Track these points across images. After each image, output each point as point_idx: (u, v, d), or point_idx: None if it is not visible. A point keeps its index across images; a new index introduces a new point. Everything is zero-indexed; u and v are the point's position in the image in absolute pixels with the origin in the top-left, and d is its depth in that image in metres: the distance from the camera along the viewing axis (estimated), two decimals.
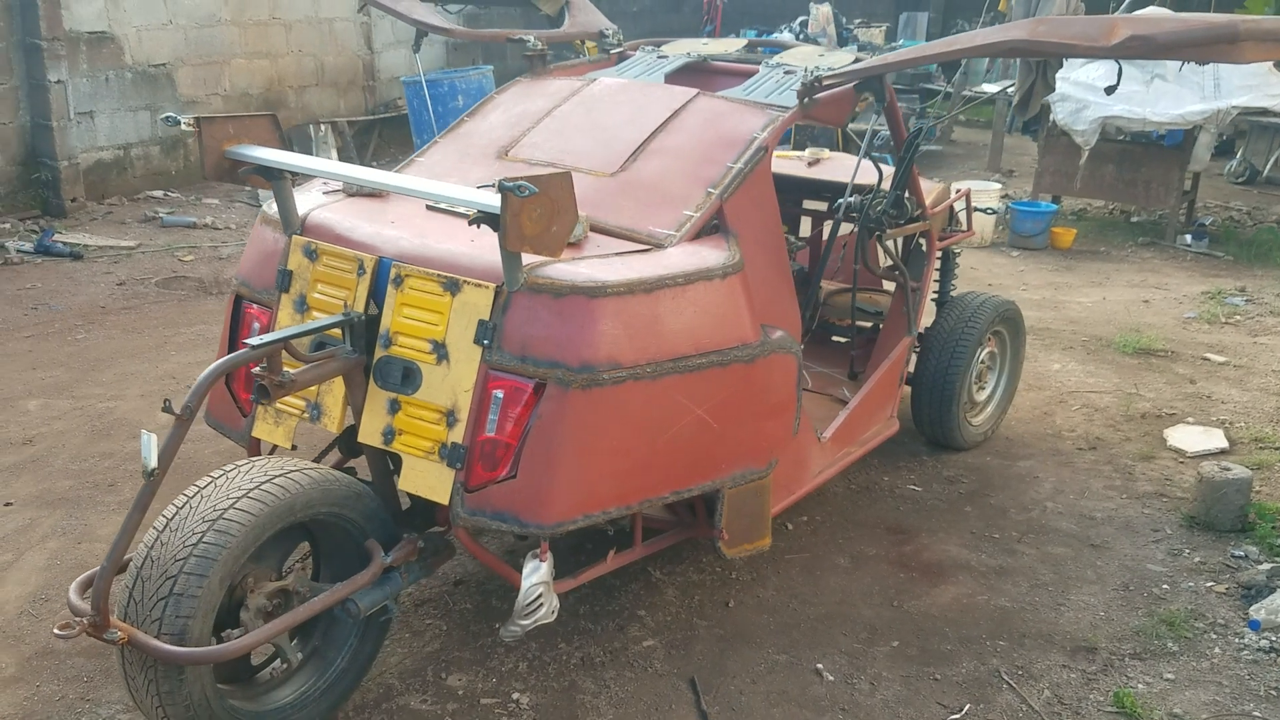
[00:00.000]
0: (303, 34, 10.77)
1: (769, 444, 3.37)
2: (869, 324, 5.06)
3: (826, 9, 13.20)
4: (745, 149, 3.51)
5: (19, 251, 7.40)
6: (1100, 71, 8.32)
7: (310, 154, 10.81)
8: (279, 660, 3.04)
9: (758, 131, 3.57)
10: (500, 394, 2.87)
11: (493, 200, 2.64)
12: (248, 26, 10.20)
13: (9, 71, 8.14)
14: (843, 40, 13.35)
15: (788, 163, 5.25)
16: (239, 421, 3.36)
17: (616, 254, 3.12)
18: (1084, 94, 8.33)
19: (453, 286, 2.94)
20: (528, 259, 2.89)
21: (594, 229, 3.30)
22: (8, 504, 4.26)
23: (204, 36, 9.77)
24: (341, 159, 11.01)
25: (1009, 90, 9.40)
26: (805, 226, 5.57)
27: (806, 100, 3.70)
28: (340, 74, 11.37)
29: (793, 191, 5.17)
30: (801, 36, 12.91)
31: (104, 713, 3.11)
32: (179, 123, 3.10)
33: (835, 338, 5.28)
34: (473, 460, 2.90)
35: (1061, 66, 7.15)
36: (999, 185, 9.32)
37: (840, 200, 4.24)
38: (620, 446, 2.95)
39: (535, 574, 2.93)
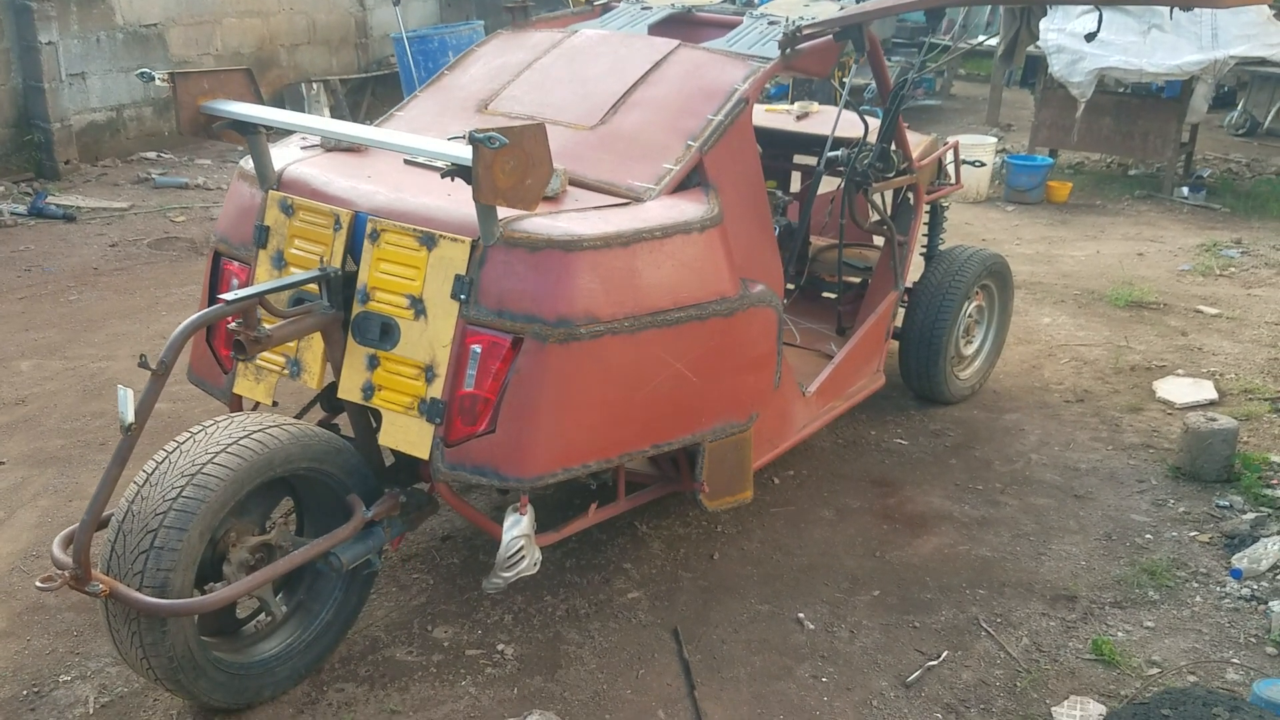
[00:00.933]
0: None
1: (749, 398, 3.38)
2: (857, 279, 5.05)
3: None
4: (725, 101, 3.49)
5: (12, 214, 7.39)
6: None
7: (303, 112, 10.75)
8: (264, 613, 3.07)
9: (738, 83, 3.55)
10: (478, 349, 2.88)
11: (465, 152, 2.63)
12: None
13: (0, 33, 8.10)
14: None
15: (776, 117, 5.22)
16: (220, 378, 3.37)
17: (594, 207, 3.12)
18: (1080, 45, 8.25)
19: (429, 241, 2.94)
20: (504, 213, 2.89)
21: (573, 182, 3.30)
22: (1, 463, 4.29)
23: None
24: (334, 117, 10.95)
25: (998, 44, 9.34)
26: (796, 181, 5.54)
27: (788, 51, 3.67)
28: (332, 32, 11.28)
29: (782, 146, 5.15)
30: None
31: (93, 665, 3.15)
32: (153, 78, 3.08)
33: (825, 294, 5.27)
34: (452, 415, 2.91)
35: (1045, 14, 7.08)
36: (995, 139, 9.26)
37: (826, 154, 4.22)
38: (598, 400, 2.96)
39: (516, 527, 2.96)
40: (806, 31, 3.56)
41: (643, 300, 2.98)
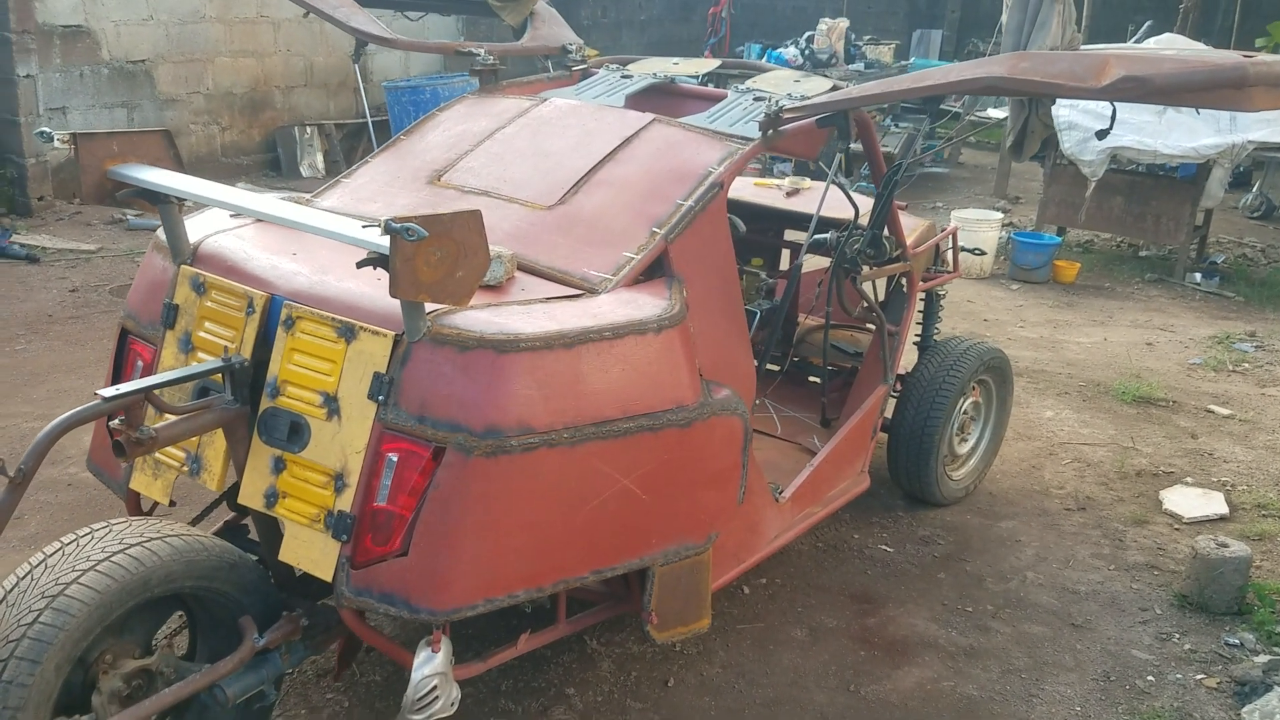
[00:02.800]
0: (291, 33, 10.45)
1: (708, 516, 3.01)
2: (848, 365, 4.71)
3: (842, 24, 12.83)
4: (698, 184, 3.16)
5: None
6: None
7: (295, 157, 10.51)
8: None
9: (714, 165, 3.23)
10: (394, 458, 2.53)
11: (382, 242, 2.30)
12: (233, 24, 9.90)
13: None
14: (850, 58, 12.99)
15: (766, 192, 4.90)
16: (118, 471, 3.02)
17: (541, 299, 2.78)
18: (1092, 123, 7.95)
19: (348, 333, 2.60)
20: (435, 305, 2.55)
21: (523, 268, 2.97)
22: None
23: (186, 33, 9.47)
24: (328, 162, 10.71)
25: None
26: (787, 259, 5.22)
27: (770, 132, 3.35)
28: (330, 75, 11.06)
29: (771, 222, 4.83)
30: (807, 52, 12.55)
31: None
32: (52, 139, 2.76)
33: (812, 378, 4.93)
34: (361, 532, 2.56)
35: (1054, 103, 6.79)
36: (1000, 215, 8.94)
37: (814, 237, 3.90)
38: (530, 521, 2.60)
39: (428, 664, 2.59)
40: (787, 115, 3.24)
41: (587, 409, 2.63)
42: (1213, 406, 5.92)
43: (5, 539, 3.90)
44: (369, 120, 4.90)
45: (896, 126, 11.63)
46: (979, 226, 8.43)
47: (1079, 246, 9.50)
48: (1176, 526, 4.58)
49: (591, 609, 3.16)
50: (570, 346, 2.61)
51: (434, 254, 2.32)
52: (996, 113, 9.81)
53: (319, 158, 10.65)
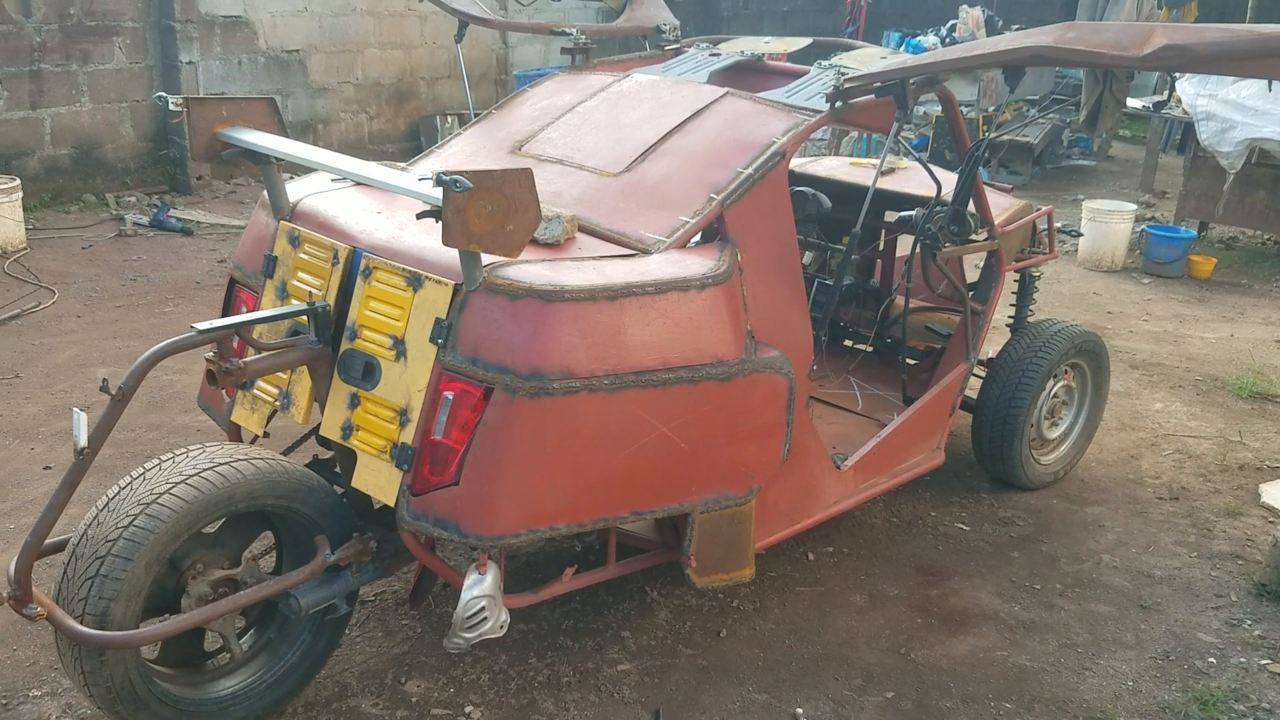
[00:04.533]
0: (437, 26, 10.92)
1: (749, 469, 3.14)
2: (939, 346, 4.75)
3: (977, 13, 12.61)
4: (760, 154, 3.30)
5: (135, 224, 7.73)
6: (1251, 90, 7.65)
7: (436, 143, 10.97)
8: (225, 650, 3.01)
9: (777, 136, 3.35)
10: (450, 396, 2.76)
11: (436, 193, 2.52)
12: (382, 17, 10.41)
13: (144, 51, 8.52)
14: None
15: (860, 171, 4.98)
16: (223, 405, 3.35)
17: (594, 257, 2.97)
18: (1231, 113, 7.68)
19: (415, 282, 2.85)
20: (493, 258, 2.77)
21: (584, 230, 3.16)
22: (47, 467, 4.41)
23: (338, 25, 10.02)
24: None
25: (1150, 105, 8.72)
26: (881, 239, 5.27)
27: (839, 104, 3.46)
28: (473, 67, 11.50)
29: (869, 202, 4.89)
30: (948, 41, 12.37)
31: (65, 684, 3.15)
32: (168, 103, 3.10)
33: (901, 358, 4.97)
34: (420, 463, 2.80)
35: (1132, 78, 6.57)
36: (1132, 206, 8.67)
37: (899, 215, 3.98)
38: (571, 460, 2.79)
39: (477, 586, 2.81)
40: (848, 85, 3.34)
41: (627, 358, 2.81)
42: None
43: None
44: (471, 110, 5.16)
45: (1044, 117, 11.38)
46: (1110, 218, 8.23)
47: (1221, 243, 9.14)
48: (1271, 519, 4.46)
49: (640, 555, 3.33)
50: (613, 299, 2.79)
51: (485, 207, 2.53)
52: (1134, 102, 9.51)
53: None
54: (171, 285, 6.74)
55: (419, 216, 2.62)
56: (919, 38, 12.61)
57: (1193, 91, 8.01)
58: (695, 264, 3.00)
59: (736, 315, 3.04)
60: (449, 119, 11.02)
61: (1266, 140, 7.71)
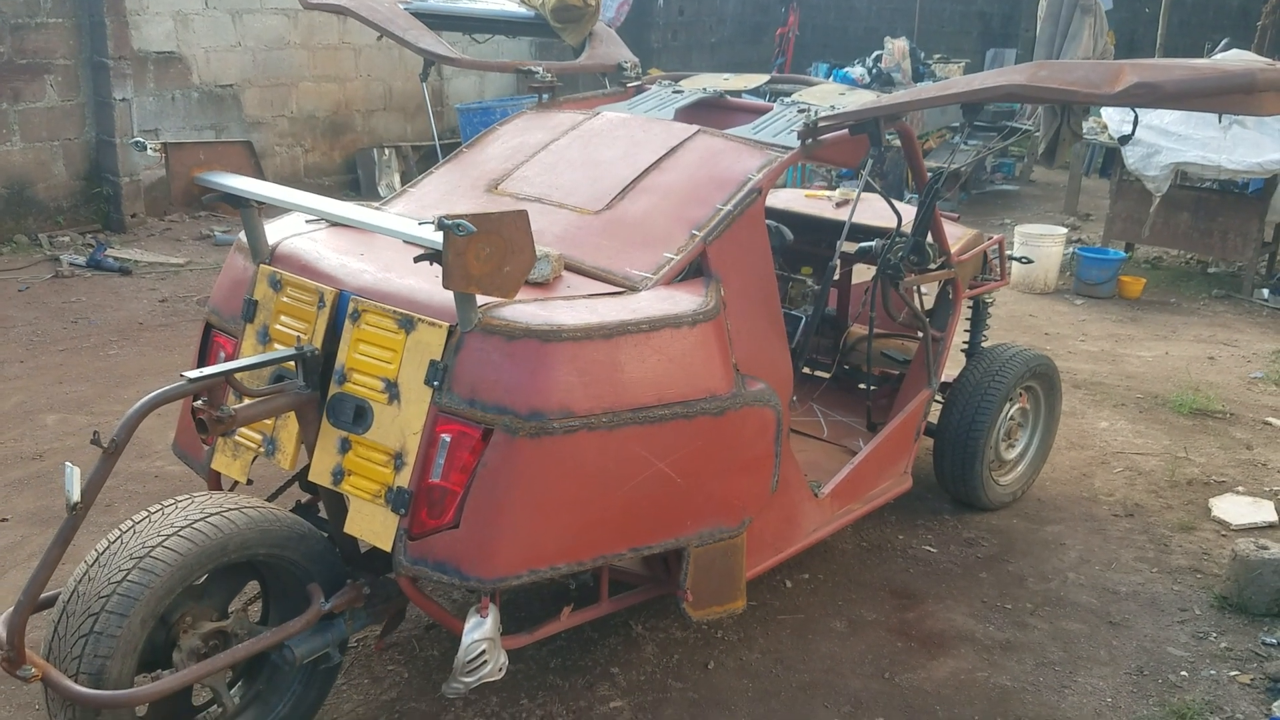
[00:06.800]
0: (372, 59, 10.87)
1: (741, 501, 3.18)
2: (895, 371, 4.84)
3: (902, 43, 12.93)
4: (737, 190, 3.35)
5: (71, 264, 7.54)
6: (1174, 116, 7.96)
7: (374, 178, 10.91)
8: (215, 704, 2.95)
9: (753, 172, 3.42)
10: (448, 438, 2.75)
11: (436, 238, 2.53)
12: (316, 50, 10.33)
13: (76, 88, 8.34)
14: (919, 76, 13.05)
15: (815, 203, 5.06)
16: (201, 453, 3.29)
17: (584, 296, 2.99)
18: (1156, 138, 7.96)
19: (407, 324, 2.84)
20: (486, 299, 2.77)
21: (570, 268, 3.18)
22: (3, 519, 4.28)
23: (272, 59, 9.91)
24: (404, 182, 11.07)
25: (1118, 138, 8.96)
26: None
27: (809, 141, 3.53)
28: (408, 99, 11.45)
29: (824, 233, 4.99)
30: (875, 71, 12.66)
31: None
32: (146, 148, 3.05)
33: (861, 385, 5.06)
34: (417, 506, 2.78)
35: (1088, 113, 6.82)
36: (1063, 230, 8.95)
37: (857, 246, 4.06)
38: (571, 499, 2.80)
39: (478, 630, 2.80)
40: (822, 123, 3.42)
41: (624, 395, 2.83)
42: (1271, 419, 5.91)
43: (95, 523, 4.21)
44: (437, 143, 5.16)
45: (966, 144, 11.68)
46: (1042, 241, 8.46)
47: (1147, 263, 9.46)
48: (1223, 533, 4.62)
49: (632, 590, 3.34)
50: (609, 337, 2.81)
51: (483, 249, 2.54)
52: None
53: (396, 178, 11.02)
54: (114, 326, 6.58)
55: (416, 259, 2.62)
56: (847, 69, 12.87)
57: (1118, 118, 8.30)
58: (685, 300, 3.03)
59: (725, 350, 3.08)
60: (386, 151, 10.96)
61: (1190, 164, 8.01)
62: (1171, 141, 7.96)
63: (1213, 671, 3.63)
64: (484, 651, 2.80)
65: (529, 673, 3.45)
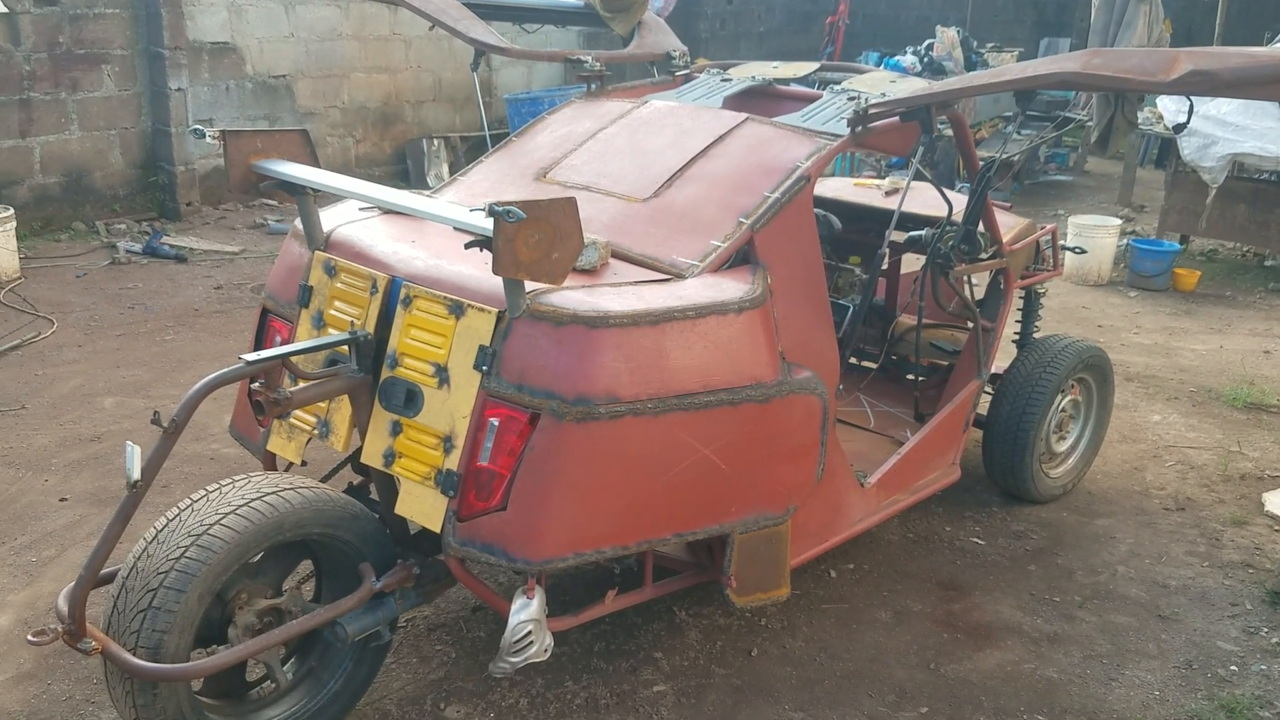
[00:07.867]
0: (422, 50, 10.97)
1: (786, 489, 3.19)
2: (944, 362, 4.82)
3: (953, 33, 12.80)
4: (785, 178, 3.35)
5: (128, 252, 7.70)
6: (1231, 106, 7.81)
7: (423, 168, 11.00)
8: (269, 679, 3.01)
9: (801, 160, 3.41)
10: (496, 422, 2.79)
11: (487, 224, 2.56)
12: (368, 41, 10.44)
13: (133, 78, 8.51)
14: (971, 65, 12.92)
15: (864, 191, 5.05)
16: (257, 434, 3.36)
17: (631, 283, 3.01)
18: (1213, 129, 7.83)
19: (457, 310, 2.88)
20: (534, 285, 2.81)
21: (617, 255, 3.20)
22: (63, 499, 4.38)
23: (324, 50, 10.04)
24: (453, 173, 11.16)
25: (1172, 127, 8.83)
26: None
27: (859, 129, 3.52)
28: (457, 90, 11.54)
29: (870, 221, 4.97)
30: (926, 60, 12.55)
31: (105, 716, 3.14)
32: (204, 135, 3.12)
33: (910, 375, 5.04)
34: (466, 489, 2.82)
35: (1143, 100, 6.71)
36: (1117, 221, 8.83)
37: (909, 235, 4.04)
38: (616, 484, 2.82)
39: (524, 610, 2.83)
40: (873, 111, 3.41)
41: (670, 382, 2.85)
42: None
43: (152, 504, 4.30)
44: (487, 133, 5.20)
45: (1019, 133, 11.54)
46: (1096, 232, 8.35)
47: (1202, 255, 9.31)
48: (1276, 528, 4.55)
49: (676, 576, 3.36)
50: (655, 324, 2.83)
51: (532, 236, 2.57)
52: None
53: (445, 168, 11.11)
54: (170, 312, 6.71)
55: (467, 246, 2.66)
56: (897, 57, 12.77)
57: (1174, 108, 8.17)
58: (731, 288, 3.04)
59: (771, 337, 3.08)
60: (435, 142, 11.05)
61: (1247, 155, 7.87)
62: (1228, 132, 7.81)
63: (1263, 666, 3.59)
64: (530, 632, 2.84)
65: (573, 655, 3.49)
